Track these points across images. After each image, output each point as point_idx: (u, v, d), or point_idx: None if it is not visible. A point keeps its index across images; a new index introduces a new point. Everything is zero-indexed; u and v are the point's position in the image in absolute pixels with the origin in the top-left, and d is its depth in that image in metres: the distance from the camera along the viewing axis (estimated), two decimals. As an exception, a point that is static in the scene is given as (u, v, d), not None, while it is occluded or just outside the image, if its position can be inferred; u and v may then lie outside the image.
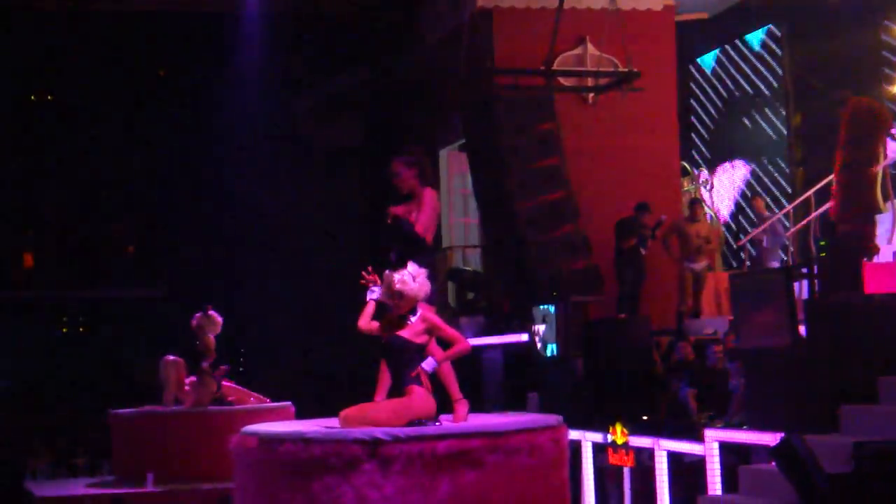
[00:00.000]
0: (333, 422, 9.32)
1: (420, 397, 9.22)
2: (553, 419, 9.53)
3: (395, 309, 9.33)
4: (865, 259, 14.34)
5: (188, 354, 15.36)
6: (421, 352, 9.27)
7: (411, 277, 9.34)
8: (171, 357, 15.51)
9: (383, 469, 8.65)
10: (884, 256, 15.16)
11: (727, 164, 24.57)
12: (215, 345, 15.14)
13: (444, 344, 9.50)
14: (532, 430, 9.08)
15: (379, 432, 8.73)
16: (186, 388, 15.27)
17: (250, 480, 9.36)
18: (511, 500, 8.89)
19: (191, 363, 15.36)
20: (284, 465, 8.98)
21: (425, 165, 10.51)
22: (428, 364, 9.23)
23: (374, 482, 8.66)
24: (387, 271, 9.49)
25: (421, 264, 9.75)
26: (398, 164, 10.35)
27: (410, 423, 9.08)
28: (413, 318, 9.30)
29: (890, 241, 15.40)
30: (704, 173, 24.45)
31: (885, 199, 15.34)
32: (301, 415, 11.66)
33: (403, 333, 9.25)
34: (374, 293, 9.43)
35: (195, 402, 15.11)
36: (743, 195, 23.92)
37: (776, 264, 18.41)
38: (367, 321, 9.44)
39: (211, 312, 15.24)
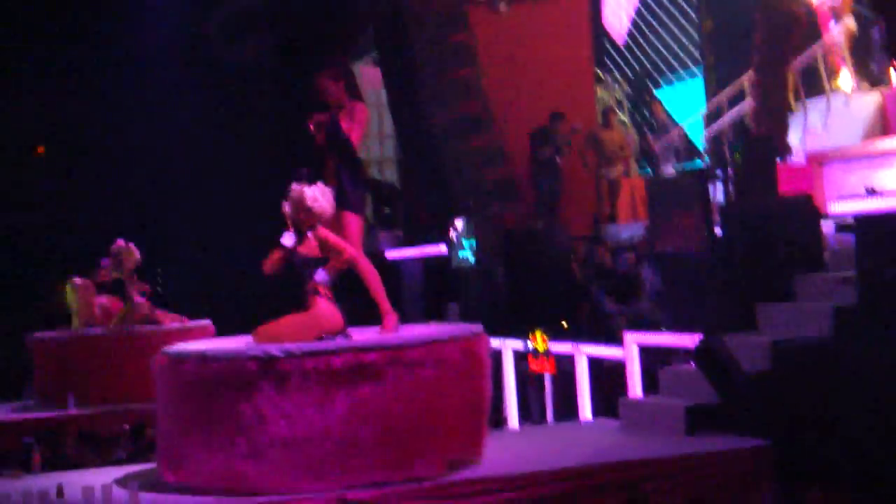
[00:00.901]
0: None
1: (323, 310, 9.30)
2: (464, 329, 9.53)
3: (299, 223, 9.38)
4: (780, 160, 14.51)
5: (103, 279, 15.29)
6: (318, 264, 9.31)
7: (321, 194, 9.39)
8: (79, 280, 15.40)
9: (279, 385, 8.66)
10: (796, 157, 15.34)
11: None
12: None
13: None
14: (435, 342, 9.06)
15: (274, 348, 8.73)
16: (96, 309, 15.19)
17: (164, 400, 9.44)
18: (415, 413, 8.90)
19: (112, 289, 15.29)
20: (188, 384, 9.07)
21: (352, 78, 10.41)
22: (319, 275, 9.25)
23: (271, 398, 8.68)
24: (295, 185, 9.49)
25: (356, 178, 9.82)
26: (325, 80, 10.21)
27: (319, 337, 9.12)
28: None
29: (801, 142, 15.57)
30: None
31: (797, 99, 15.49)
32: (226, 333, 11.63)
33: (301, 249, 9.32)
34: (288, 240, 9.40)
35: (122, 324, 15.05)
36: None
37: (670, 168, 18.62)
38: (271, 265, 9.51)
39: (130, 245, 15.17)
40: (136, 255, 15.21)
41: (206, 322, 15.28)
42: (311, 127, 10.09)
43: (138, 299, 15.16)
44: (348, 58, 20.10)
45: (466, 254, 17.46)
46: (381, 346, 8.88)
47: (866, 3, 16.11)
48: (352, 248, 9.50)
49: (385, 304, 9.94)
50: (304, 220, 9.42)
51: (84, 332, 15.25)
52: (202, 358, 8.99)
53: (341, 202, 9.96)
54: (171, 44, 23.95)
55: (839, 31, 16.75)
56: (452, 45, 19.65)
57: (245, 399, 8.72)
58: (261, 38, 25.36)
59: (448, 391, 9.09)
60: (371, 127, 23.40)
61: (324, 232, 9.46)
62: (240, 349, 9.01)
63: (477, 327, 9.75)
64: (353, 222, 10.06)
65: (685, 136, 19.52)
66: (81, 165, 23.53)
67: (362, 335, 9.63)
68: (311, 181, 9.57)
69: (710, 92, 21.46)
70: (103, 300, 15.38)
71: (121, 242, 15.17)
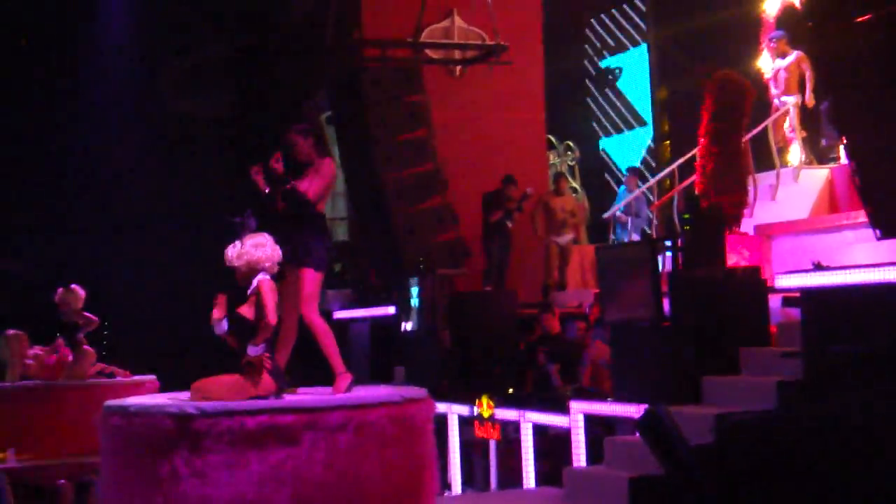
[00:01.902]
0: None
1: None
2: (393, 394, 9.31)
3: (238, 275, 9.32)
4: (734, 226, 14.62)
5: (53, 328, 15.11)
6: (251, 330, 9.24)
7: (237, 246, 9.36)
8: (12, 331, 15.23)
9: (193, 444, 8.49)
10: (744, 229, 15.43)
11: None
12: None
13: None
14: (357, 407, 8.82)
15: (189, 406, 8.60)
16: (29, 361, 15.01)
17: (103, 454, 9.33)
18: (333, 480, 8.67)
19: (58, 336, 15.11)
20: (115, 438, 8.98)
21: (322, 134, 10.40)
22: (252, 351, 9.19)
23: (185, 457, 8.51)
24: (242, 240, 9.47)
25: (312, 231, 9.78)
26: (295, 135, 10.20)
27: (252, 398, 9.04)
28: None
29: (750, 215, 15.67)
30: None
31: (746, 172, 15.62)
32: (169, 388, 11.53)
33: (241, 310, 9.28)
34: (220, 327, 9.34)
35: (71, 375, 14.90)
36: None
37: (635, 237, 18.65)
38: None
39: (73, 286, 14.98)
40: (82, 293, 15.07)
41: (150, 377, 15.12)
42: (253, 174, 10.05)
43: (87, 348, 14.99)
44: (315, 114, 20.10)
45: (414, 317, 17.41)
46: (298, 408, 8.67)
47: (816, 79, 16.33)
48: (273, 317, 9.34)
49: (338, 365, 9.86)
50: (242, 272, 9.40)
51: (25, 383, 15.06)
52: (125, 413, 8.89)
53: (298, 258, 9.93)
54: (122, 93, 23.91)
55: (791, 105, 16.95)
56: (407, 106, 19.69)
57: (161, 456, 8.58)
58: (216, 93, 25.37)
59: (371, 459, 8.82)
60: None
61: (262, 288, 9.37)
62: (159, 405, 8.92)
63: (414, 392, 9.62)
64: (309, 278, 9.99)
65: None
66: (23, 213, 23.33)
67: (308, 396, 9.54)
68: (243, 227, 9.55)
69: (662, 160, 21.64)
70: (38, 351, 15.19)
71: (61, 290, 15.02)
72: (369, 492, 8.82)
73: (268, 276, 9.35)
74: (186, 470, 8.52)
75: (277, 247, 9.48)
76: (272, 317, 9.21)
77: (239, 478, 8.47)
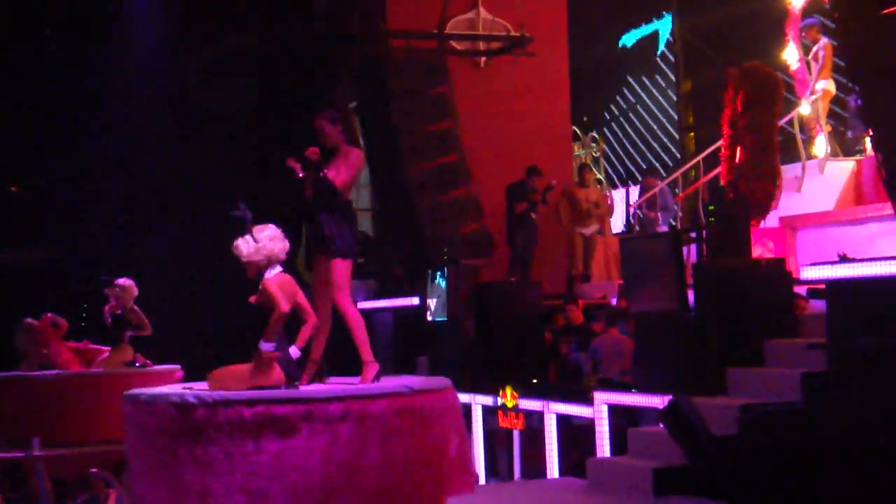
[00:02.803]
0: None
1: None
2: (398, 386, 9.28)
3: (252, 270, 9.42)
4: (764, 215, 14.62)
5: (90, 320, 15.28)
6: (264, 315, 9.31)
7: (244, 242, 9.45)
8: (28, 320, 15.35)
9: (194, 434, 8.63)
10: (769, 221, 15.41)
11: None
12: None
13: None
14: (358, 398, 8.83)
15: (190, 396, 8.71)
16: (44, 350, 15.13)
17: (125, 441, 9.58)
18: (333, 470, 8.70)
19: (104, 329, 15.28)
20: (130, 426, 9.25)
21: (350, 122, 10.41)
22: (264, 346, 9.26)
23: (186, 446, 8.65)
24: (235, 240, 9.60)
25: (340, 219, 9.83)
26: (323, 121, 10.22)
27: (259, 387, 9.10)
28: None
29: (776, 207, 15.64)
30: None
31: (777, 162, 15.62)
32: (194, 377, 11.61)
33: (252, 299, 9.40)
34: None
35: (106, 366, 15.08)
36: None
37: (665, 228, 18.61)
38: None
39: (127, 282, 15.14)
40: (135, 290, 15.23)
41: (174, 367, 15.20)
42: (289, 161, 10.07)
43: (126, 345, 15.16)
44: (345, 102, 20.11)
45: (438, 307, 17.42)
46: (295, 399, 8.74)
47: (844, 71, 16.27)
48: (286, 306, 9.38)
49: (367, 354, 9.91)
50: (246, 267, 9.50)
51: (56, 373, 15.17)
52: (136, 401, 9.11)
53: (326, 246, 9.97)
54: (150, 86, 23.96)
55: (818, 98, 16.90)
56: (431, 97, 19.72)
57: (165, 443, 8.77)
58: (241, 84, 25.40)
59: (373, 450, 8.83)
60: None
61: (268, 283, 9.45)
62: (165, 394, 8.99)
63: (430, 383, 9.60)
64: (340, 267, 10.03)
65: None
66: (54, 205, 23.43)
67: (334, 385, 9.59)
68: (246, 214, 9.64)
69: (687, 152, 21.61)
70: (73, 344, 15.34)
71: (120, 281, 15.16)
72: (371, 483, 8.83)
73: (276, 269, 9.47)
74: (188, 457, 8.67)
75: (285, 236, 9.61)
76: (285, 305, 9.29)
77: (238, 467, 8.56)
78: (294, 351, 9.40)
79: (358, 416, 8.76)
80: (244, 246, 9.51)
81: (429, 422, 9.22)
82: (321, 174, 10.03)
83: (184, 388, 9.44)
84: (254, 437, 8.55)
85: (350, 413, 8.73)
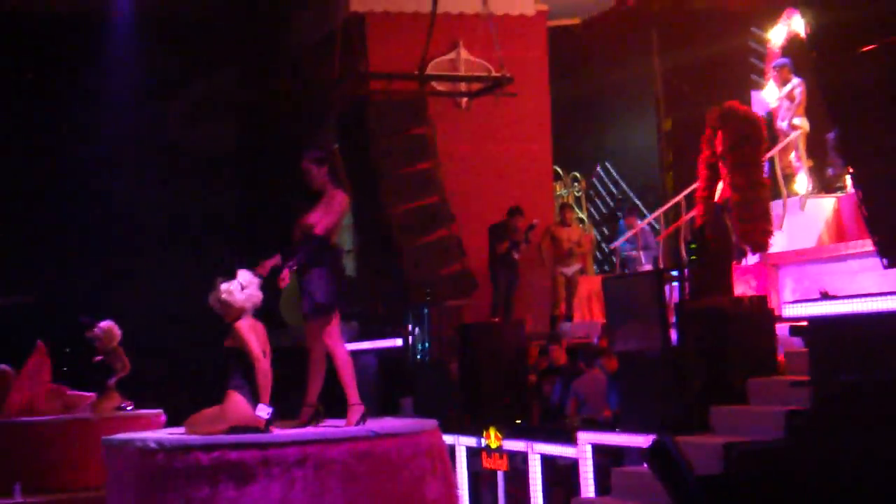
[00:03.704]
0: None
1: (236, 404, 9.25)
2: (360, 430, 9.20)
3: (224, 316, 9.42)
4: (764, 252, 14.70)
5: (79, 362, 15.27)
6: (238, 358, 9.28)
7: (238, 287, 9.46)
8: (2, 367, 15.35)
9: (155, 478, 8.63)
10: (750, 258, 15.44)
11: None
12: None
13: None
14: (316, 443, 8.75)
15: (152, 441, 8.73)
16: (14, 396, 15.11)
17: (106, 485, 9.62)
18: None
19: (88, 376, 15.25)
20: (109, 470, 9.37)
21: (337, 163, 10.37)
22: (260, 411, 9.24)
23: (149, 490, 8.65)
24: (218, 280, 9.57)
25: (320, 273, 9.77)
26: (309, 163, 10.18)
27: (232, 430, 9.07)
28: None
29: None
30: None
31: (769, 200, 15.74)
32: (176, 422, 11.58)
33: (226, 342, 9.39)
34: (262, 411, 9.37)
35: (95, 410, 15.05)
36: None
37: (648, 267, 18.61)
38: None
39: (110, 325, 15.13)
40: (118, 332, 15.21)
41: (157, 411, 15.16)
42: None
43: (113, 392, 15.13)
44: (330, 143, 20.13)
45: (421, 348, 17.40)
46: (252, 444, 8.67)
47: (823, 107, 16.34)
48: (258, 355, 9.38)
49: (352, 397, 9.88)
50: (225, 312, 9.49)
51: (42, 419, 15.12)
52: (110, 446, 9.24)
53: (309, 297, 9.94)
54: (129, 129, 23.95)
55: (796, 135, 16.96)
56: (412, 138, 19.75)
57: (129, 488, 8.79)
58: (222, 127, 25.43)
59: (332, 496, 8.69)
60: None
61: (241, 327, 9.44)
62: (134, 439, 9.00)
63: (399, 426, 9.54)
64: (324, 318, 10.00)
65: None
66: (32, 249, 23.36)
67: (316, 429, 9.54)
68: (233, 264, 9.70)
69: (668, 191, 21.63)
70: (53, 387, 15.30)
71: (105, 324, 15.15)
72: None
73: (248, 316, 9.52)
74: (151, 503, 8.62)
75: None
76: (262, 359, 9.34)
77: None
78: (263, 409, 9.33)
79: (316, 462, 8.64)
80: (237, 292, 9.49)
81: (396, 466, 9.05)
82: (305, 221, 10.02)
83: (158, 434, 9.43)
84: (210, 484, 8.50)
85: (308, 458, 8.63)
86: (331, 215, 10.06)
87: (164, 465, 8.56)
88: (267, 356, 9.54)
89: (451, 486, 9.86)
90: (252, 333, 9.44)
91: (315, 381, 10.07)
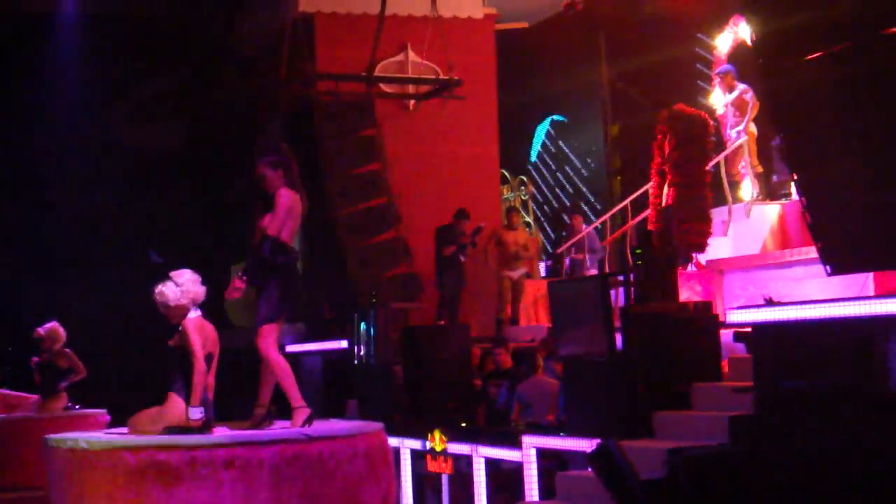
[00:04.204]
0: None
1: (175, 405, 9.22)
2: (293, 433, 9.13)
3: (168, 318, 9.40)
4: (698, 254, 14.75)
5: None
6: (181, 357, 9.31)
7: (172, 286, 9.43)
8: None
9: (83, 478, 8.63)
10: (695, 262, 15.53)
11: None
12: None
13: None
14: (245, 445, 8.66)
15: (82, 440, 8.72)
16: None
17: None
18: None
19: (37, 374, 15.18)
20: (48, 470, 9.30)
21: (292, 166, 10.24)
22: (192, 413, 9.21)
23: (75, 491, 8.66)
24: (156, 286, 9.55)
25: (276, 271, 9.70)
26: (264, 167, 10.07)
27: (167, 430, 9.03)
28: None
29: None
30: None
31: (709, 202, 15.80)
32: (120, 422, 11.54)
33: (171, 341, 9.39)
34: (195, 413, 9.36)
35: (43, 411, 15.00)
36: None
37: (593, 272, 18.66)
38: None
39: (54, 325, 15.06)
40: (62, 332, 15.16)
41: (100, 411, 15.09)
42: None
43: (62, 393, 15.08)
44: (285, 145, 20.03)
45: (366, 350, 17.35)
46: (179, 445, 8.60)
47: (768, 115, 16.44)
48: (198, 355, 9.32)
49: (295, 400, 9.81)
50: (165, 314, 9.48)
51: None
52: (46, 446, 9.15)
53: (256, 305, 9.89)
54: (76, 128, 23.77)
55: (743, 140, 17.07)
56: (359, 140, 19.74)
57: (63, 487, 8.80)
58: (171, 127, 25.28)
59: (261, 499, 8.60)
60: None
61: (188, 325, 9.40)
62: (67, 438, 8.98)
63: (337, 429, 9.48)
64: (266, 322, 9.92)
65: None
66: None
67: (255, 431, 9.48)
68: (159, 259, 9.72)
69: (615, 196, 21.70)
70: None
71: (48, 325, 15.09)
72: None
73: (197, 313, 9.46)
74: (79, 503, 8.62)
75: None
76: (201, 362, 9.28)
77: None
78: (196, 412, 9.27)
79: (245, 464, 8.54)
80: (170, 292, 9.44)
81: (330, 470, 8.94)
82: (260, 225, 9.96)
83: (92, 434, 9.42)
84: (136, 485, 8.45)
85: (236, 460, 8.54)
86: (276, 215, 9.97)
87: (93, 465, 8.52)
88: (215, 358, 9.50)
89: (392, 489, 9.80)
90: (198, 334, 9.38)
91: (267, 382, 10.01)
